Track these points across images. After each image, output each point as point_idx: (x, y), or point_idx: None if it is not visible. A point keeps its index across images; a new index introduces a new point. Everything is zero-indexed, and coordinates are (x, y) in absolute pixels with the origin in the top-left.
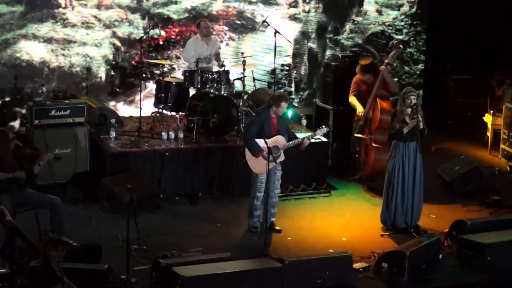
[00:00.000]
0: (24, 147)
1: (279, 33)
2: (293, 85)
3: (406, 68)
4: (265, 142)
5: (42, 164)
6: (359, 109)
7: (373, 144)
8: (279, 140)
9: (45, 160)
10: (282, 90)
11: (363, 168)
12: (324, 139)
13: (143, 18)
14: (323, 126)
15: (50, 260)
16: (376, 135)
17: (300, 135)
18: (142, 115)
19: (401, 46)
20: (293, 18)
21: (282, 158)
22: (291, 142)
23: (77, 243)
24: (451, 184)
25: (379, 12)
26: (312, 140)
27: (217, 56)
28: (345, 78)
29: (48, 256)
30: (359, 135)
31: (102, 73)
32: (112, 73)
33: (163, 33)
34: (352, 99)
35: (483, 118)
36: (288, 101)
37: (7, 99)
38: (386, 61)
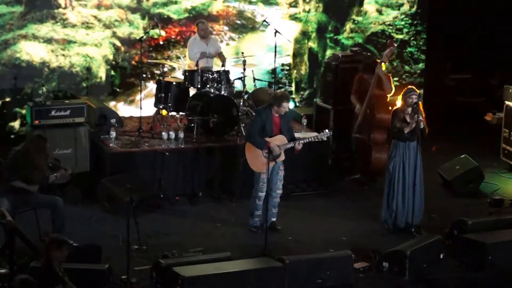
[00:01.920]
0: (49, 157)
1: (279, 32)
2: (293, 84)
3: (407, 67)
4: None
5: (59, 177)
6: (358, 107)
7: (372, 143)
8: (281, 139)
9: (63, 176)
10: (283, 90)
11: (363, 167)
12: (325, 138)
13: (143, 18)
14: (326, 130)
15: (52, 261)
16: (374, 134)
17: (300, 135)
18: (142, 115)
19: (394, 44)
20: (293, 17)
21: (282, 157)
22: (291, 143)
23: (77, 243)
24: (452, 184)
25: (380, 11)
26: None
27: (219, 55)
28: (346, 78)
29: (50, 256)
30: (357, 135)
31: (102, 73)
32: (112, 73)
33: (163, 33)
34: (353, 98)
35: (484, 117)
36: (290, 101)
37: (7, 99)
38: (381, 60)
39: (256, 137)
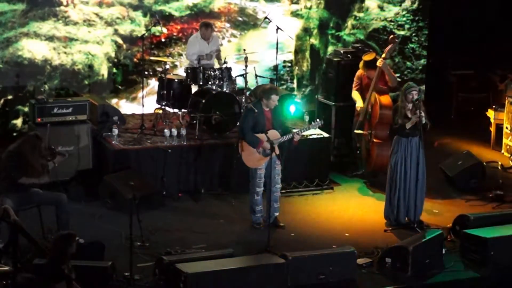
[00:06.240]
0: (44, 148)
1: (281, 29)
2: (295, 81)
3: (408, 63)
4: (267, 137)
5: (57, 163)
6: (359, 103)
7: (374, 140)
8: (273, 134)
9: (60, 161)
10: (284, 87)
11: (365, 164)
12: (326, 135)
13: (144, 15)
14: (317, 120)
15: (65, 257)
16: (377, 130)
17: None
18: (145, 112)
19: (396, 40)
20: (295, 14)
21: (276, 151)
22: (284, 136)
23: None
24: (454, 179)
25: (381, 7)
26: (314, 136)
27: (218, 54)
28: (347, 74)
29: (65, 252)
30: (359, 131)
31: (104, 70)
32: (114, 70)
33: (164, 30)
34: (354, 94)
35: (486, 113)
36: (278, 93)
37: (10, 97)
38: (383, 56)
39: (250, 134)
